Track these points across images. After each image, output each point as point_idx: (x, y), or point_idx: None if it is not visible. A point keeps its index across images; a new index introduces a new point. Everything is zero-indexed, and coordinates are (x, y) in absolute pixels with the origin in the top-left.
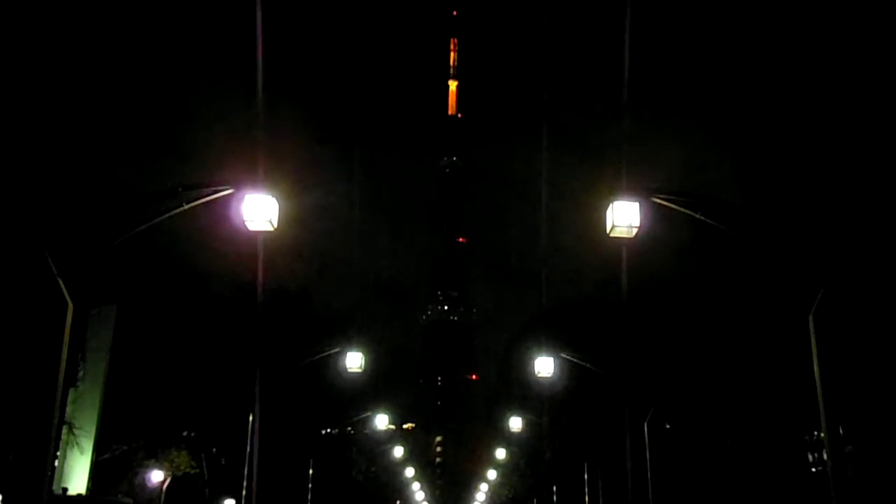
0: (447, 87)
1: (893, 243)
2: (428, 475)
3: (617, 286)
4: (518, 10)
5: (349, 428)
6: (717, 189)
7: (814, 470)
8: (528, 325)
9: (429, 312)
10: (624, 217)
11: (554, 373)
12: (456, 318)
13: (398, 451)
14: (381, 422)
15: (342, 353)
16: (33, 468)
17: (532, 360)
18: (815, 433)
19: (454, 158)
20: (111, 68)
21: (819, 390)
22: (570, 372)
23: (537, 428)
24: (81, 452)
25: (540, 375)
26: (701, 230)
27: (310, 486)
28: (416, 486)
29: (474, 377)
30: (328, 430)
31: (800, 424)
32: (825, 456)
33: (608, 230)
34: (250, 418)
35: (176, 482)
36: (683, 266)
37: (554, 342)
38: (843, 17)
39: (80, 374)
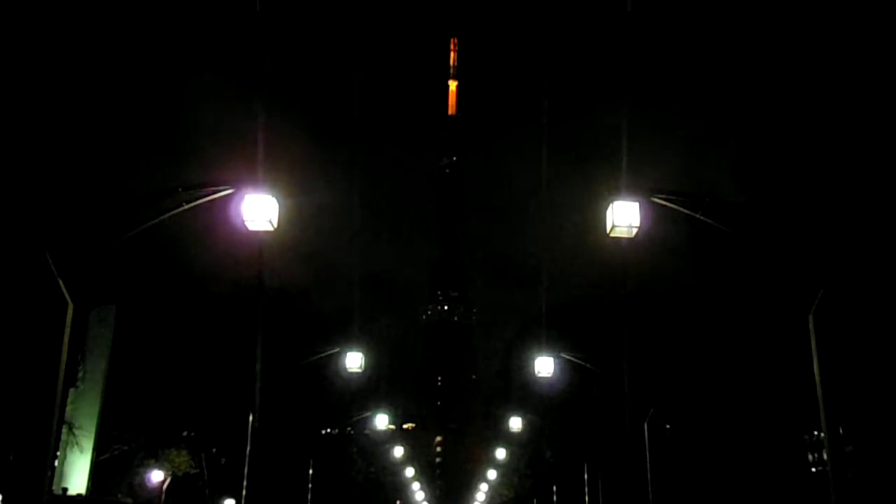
0: (447, 87)
1: (893, 243)
2: (428, 475)
3: (617, 286)
4: (518, 9)
5: (349, 428)
6: (716, 189)
7: (814, 470)
8: (528, 325)
9: (429, 312)
10: (624, 217)
11: (554, 373)
12: (456, 318)
13: (398, 451)
14: (381, 422)
15: (342, 353)
16: (33, 468)
17: (532, 360)
18: (815, 433)
19: (454, 158)
20: (111, 68)
21: (819, 390)
22: (570, 372)
23: (537, 428)
24: (81, 452)
25: (540, 375)
26: (700, 230)
27: (310, 486)
28: (415, 486)
29: (474, 377)
30: (328, 430)
31: (800, 424)
32: (825, 456)
33: (608, 230)
34: (250, 418)
35: (176, 482)
36: (683, 266)
37: (554, 342)
38: (843, 17)
39: (80, 374)
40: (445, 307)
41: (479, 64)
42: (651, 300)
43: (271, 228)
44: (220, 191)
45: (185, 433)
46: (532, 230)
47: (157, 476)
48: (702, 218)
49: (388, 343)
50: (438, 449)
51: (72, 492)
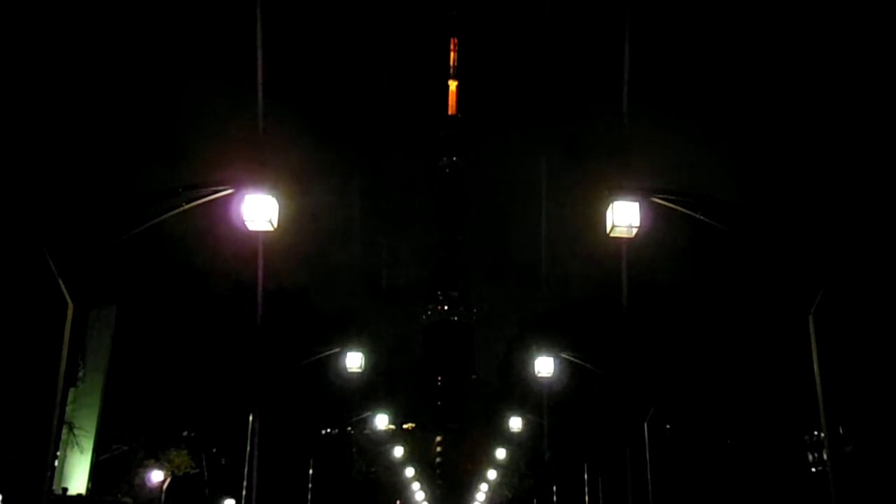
0: (447, 87)
1: (893, 243)
2: (428, 475)
3: (617, 286)
4: (518, 9)
5: (349, 428)
6: (715, 189)
7: (814, 470)
8: (528, 325)
9: (429, 312)
10: (624, 217)
11: (554, 373)
12: (456, 318)
13: (398, 452)
14: (381, 422)
15: (342, 353)
16: (33, 468)
17: (532, 360)
18: (815, 433)
19: (454, 158)
20: (111, 68)
21: (819, 390)
22: (571, 372)
23: (537, 428)
24: (81, 452)
25: (540, 375)
26: (701, 230)
27: (310, 486)
28: (415, 486)
29: (474, 377)
30: (328, 430)
31: (800, 424)
32: (825, 456)
33: (608, 230)
34: (250, 418)
35: (176, 482)
36: (683, 266)
37: (554, 342)
38: (843, 17)
39: (80, 374)
40: (445, 307)
41: (479, 64)
42: (651, 300)
43: (271, 228)
44: (220, 191)
45: (185, 433)
46: (532, 230)
47: (157, 476)
48: (702, 218)
49: (388, 343)
50: (438, 449)
51: (72, 492)
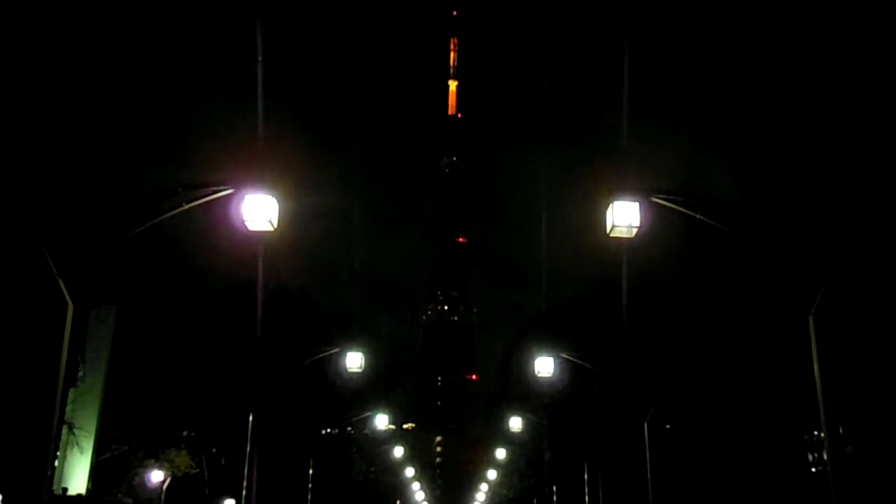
0: (447, 87)
1: (893, 243)
2: (428, 475)
3: (617, 286)
4: (518, 9)
5: (349, 428)
6: (715, 188)
7: (814, 470)
8: (528, 324)
9: (429, 312)
10: (624, 217)
11: (554, 373)
12: (456, 318)
13: (398, 452)
14: (381, 422)
15: (342, 353)
16: (33, 468)
17: (532, 360)
18: (815, 433)
19: (454, 158)
20: (111, 68)
21: (819, 390)
22: (571, 372)
23: (537, 428)
24: (81, 452)
25: (540, 375)
26: (700, 230)
27: (310, 486)
28: (416, 486)
29: (474, 377)
30: (328, 430)
31: (800, 424)
32: (825, 456)
33: (608, 230)
34: (250, 418)
35: (176, 482)
36: (683, 266)
37: (554, 342)
38: (843, 17)
39: (80, 374)
40: (445, 307)
41: (479, 64)
42: (651, 300)
43: (271, 228)
44: (220, 191)
45: (185, 433)
46: (532, 230)
47: (157, 476)
48: (701, 218)
49: (388, 343)
50: (438, 449)
51: (72, 492)
